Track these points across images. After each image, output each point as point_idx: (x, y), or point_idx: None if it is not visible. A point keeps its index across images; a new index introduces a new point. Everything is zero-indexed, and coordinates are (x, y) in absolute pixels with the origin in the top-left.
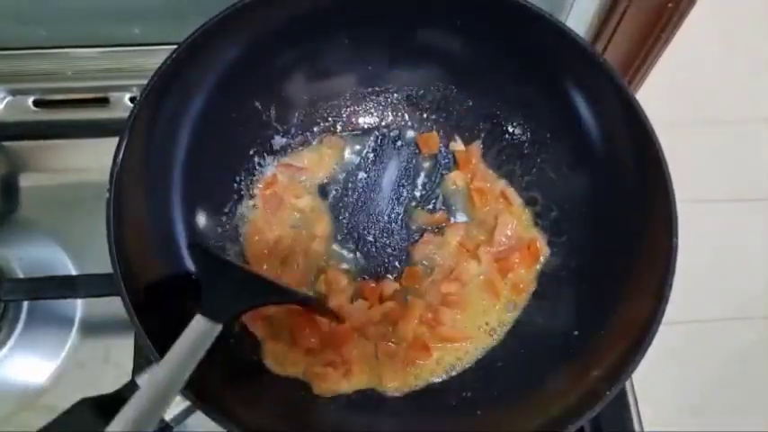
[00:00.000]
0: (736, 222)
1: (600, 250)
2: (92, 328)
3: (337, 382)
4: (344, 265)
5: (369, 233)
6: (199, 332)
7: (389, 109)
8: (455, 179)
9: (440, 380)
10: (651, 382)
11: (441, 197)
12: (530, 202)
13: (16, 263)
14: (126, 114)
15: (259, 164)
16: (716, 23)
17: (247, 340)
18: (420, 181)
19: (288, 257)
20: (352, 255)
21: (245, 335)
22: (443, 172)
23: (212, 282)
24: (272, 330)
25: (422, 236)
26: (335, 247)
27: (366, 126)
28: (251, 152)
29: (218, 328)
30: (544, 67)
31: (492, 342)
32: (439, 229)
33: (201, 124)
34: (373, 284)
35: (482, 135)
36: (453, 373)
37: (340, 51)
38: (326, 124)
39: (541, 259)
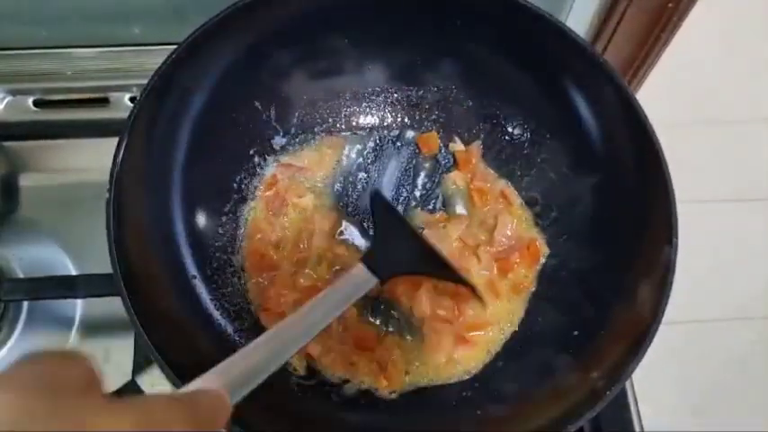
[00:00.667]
0: (736, 222)
1: (600, 250)
2: (92, 328)
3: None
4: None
5: (369, 232)
6: (357, 281)
7: (389, 109)
8: (455, 179)
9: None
10: (651, 382)
11: (441, 197)
12: (530, 202)
13: (16, 263)
14: (126, 114)
15: (259, 164)
16: (716, 23)
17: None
18: (420, 181)
19: (291, 256)
20: (351, 253)
21: (255, 335)
22: (443, 172)
23: (385, 238)
24: None
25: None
26: (336, 244)
27: (366, 126)
28: (251, 152)
29: (374, 282)
30: (544, 67)
31: (494, 341)
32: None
33: (201, 124)
34: None
35: (482, 135)
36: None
37: (340, 51)
38: (326, 124)
39: (541, 259)
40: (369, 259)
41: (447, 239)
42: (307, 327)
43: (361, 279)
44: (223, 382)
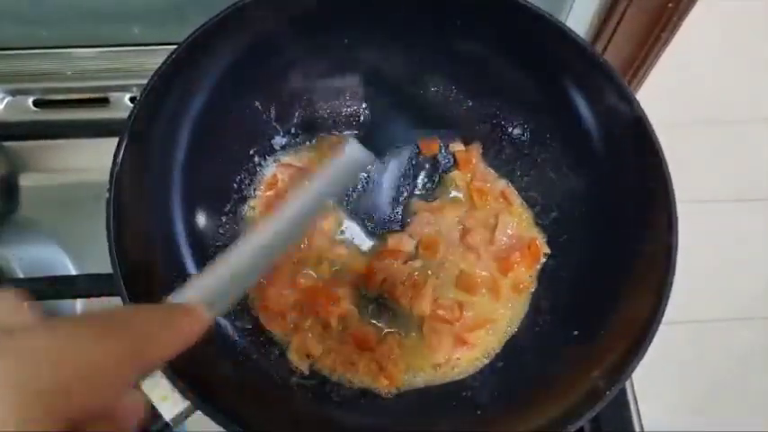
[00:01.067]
0: (736, 222)
1: (600, 250)
2: None
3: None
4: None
5: (370, 232)
6: (352, 157)
7: None
8: (455, 179)
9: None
10: (651, 382)
11: (441, 197)
12: (530, 202)
13: (16, 263)
14: (126, 114)
15: (259, 164)
16: (716, 23)
17: (259, 339)
18: (420, 181)
19: (291, 256)
20: (351, 253)
21: (255, 334)
22: (443, 172)
23: (381, 113)
24: (293, 326)
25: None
26: (336, 244)
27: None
28: (251, 152)
29: (371, 159)
30: (544, 67)
31: (494, 341)
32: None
33: (201, 124)
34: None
35: (482, 135)
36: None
37: (340, 51)
38: (326, 124)
39: (542, 259)
40: (363, 137)
41: (446, 223)
42: (294, 221)
43: (357, 156)
44: (203, 294)
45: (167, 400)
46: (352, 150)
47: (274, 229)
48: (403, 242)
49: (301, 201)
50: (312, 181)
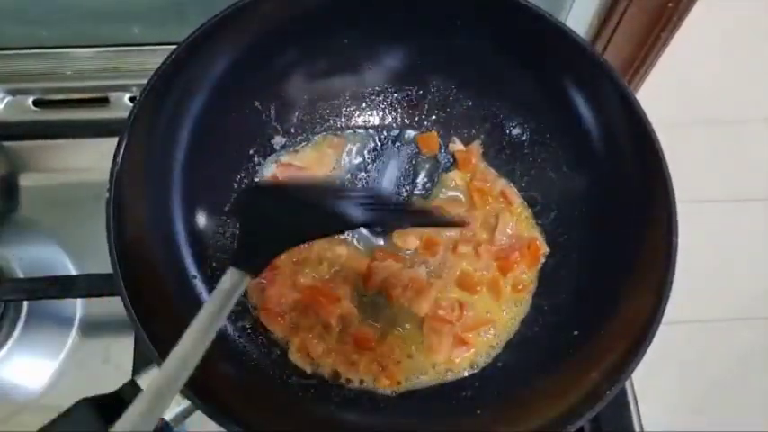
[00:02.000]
0: (736, 222)
1: (600, 250)
2: (92, 328)
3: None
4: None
5: (372, 231)
6: (226, 288)
7: (389, 109)
8: (455, 179)
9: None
10: (651, 382)
11: (440, 197)
12: (530, 202)
13: (16, 263)
14: (126, 114)
15: (259, 163)
16: (716, 23)
17: (259, 339)
18: (420, 180)
19: (291, 256)
20: (351, 253)
21: (255, 334)
22: (443, 171)
23: (252, 227)
24: (293, 326)
25: None
26: (336, 244)
27: (366, 126)
28: (251, 152)
29: (246, 279)
30: (544, 67)
31: (494, 341)
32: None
33: (201, 124)
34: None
35: (482, 135)
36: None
37: (340, 51)
38: (326, 124)
39: (541, 258)
40: (237, 257)
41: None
42: (184, 358)
43: (229, 284)
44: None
45: None
46: (232, 276)
47: (178, 360)
48: (409, 239)
49: (194, 334)
50: (202, 311)
